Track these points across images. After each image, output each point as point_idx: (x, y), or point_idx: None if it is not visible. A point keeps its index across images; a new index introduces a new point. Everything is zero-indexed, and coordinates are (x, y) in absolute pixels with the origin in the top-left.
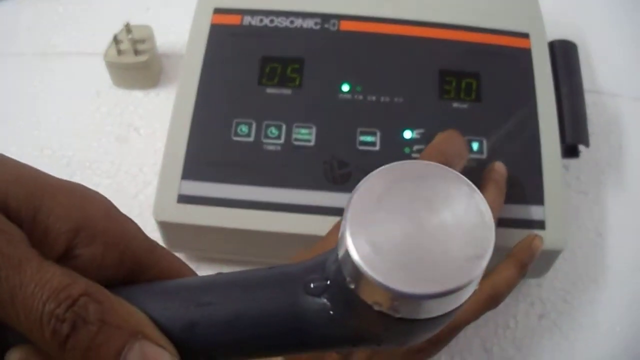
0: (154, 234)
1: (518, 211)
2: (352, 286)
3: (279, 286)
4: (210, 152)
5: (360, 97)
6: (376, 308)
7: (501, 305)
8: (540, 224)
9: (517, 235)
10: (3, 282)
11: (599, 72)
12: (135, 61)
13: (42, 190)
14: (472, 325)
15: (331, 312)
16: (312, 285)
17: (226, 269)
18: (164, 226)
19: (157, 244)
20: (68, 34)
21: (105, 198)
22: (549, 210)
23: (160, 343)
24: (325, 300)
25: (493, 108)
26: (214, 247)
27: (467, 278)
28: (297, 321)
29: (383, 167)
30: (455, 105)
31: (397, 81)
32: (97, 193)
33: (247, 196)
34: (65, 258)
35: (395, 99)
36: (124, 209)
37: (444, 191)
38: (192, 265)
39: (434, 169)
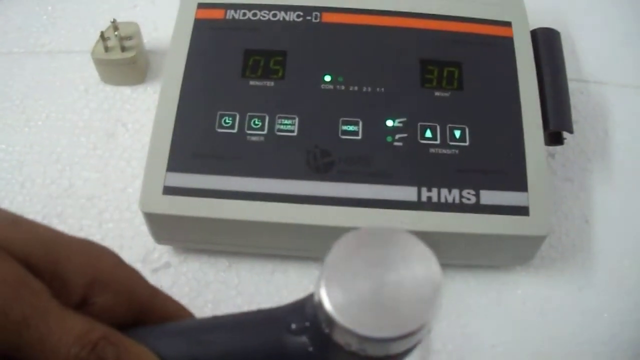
0: (143, 227)
1: (501, 198)
2: (327, 330)
3: (266, 326)
4: (195, 144)
5: (342, 87)
6: (347, 348)
7: (484, 292)
8: (524, 210)
9: (501, 221)
10: (33, 330)
11: (584, 60)
12: (122, 57)
13: (59, 247)
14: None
15: (310, 349)
16: (293, 326)
17: (212, 261)
18: (150, 218)
19: (159, 290)
20: (57, 33)
21: (113, 252)
22: (533, 196)
23: None
24: (305, 339)
25: (475, 96)
26: (201, 238)
27: (420, 322)
28: (280, 356)
29: (357, 229)
30: (437, 94)
31: (379, 71)
32: (105, 248)
33: (231, 187)
34: (82, 306)
35: (377, 89)
36: (112, 203)
37: (403, 253)
38: (180, 258)
39: (397, 235)
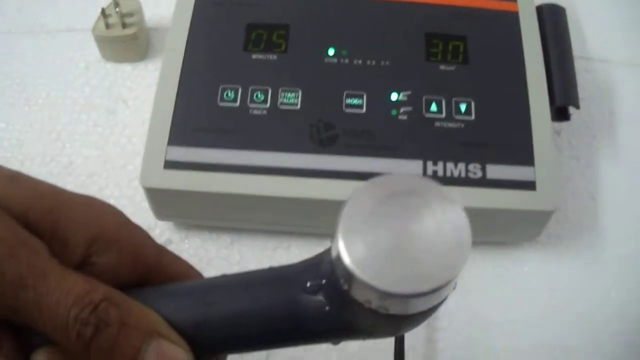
0: (144, 203)
1: (508, 172)
2: (345, 287)
3: (278, 285)
4: (197, 117)
5: (346, 60)
6: (367, 306)
7: (491, 269)
8: (531, 185)
9: (508, 196)
10: (30, 291)
11: (589, 38)
12: (123, 34)
13: (60, 204)
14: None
15: (327, 308)
16: (308, 284)
17: (214, 237)
18: (151, 193)
19: (166, 249)
20: (57, 12)
21: (117, 209)
22: (540, 170)
23: (174, 340)
24: (321, 298)
25: (481, 70)
26: (202, 214)
27: (447, 277)
28: (295, 317)
29: (375, 177)
30: (442, 67)
31: (383, 45)
32: (110, 205)
33: (233, 160)
34: (83, 266)
35: (382, 62)
36: (113, 180)
37: (427, 202)
38: (181, 234)
39: (420, 182)
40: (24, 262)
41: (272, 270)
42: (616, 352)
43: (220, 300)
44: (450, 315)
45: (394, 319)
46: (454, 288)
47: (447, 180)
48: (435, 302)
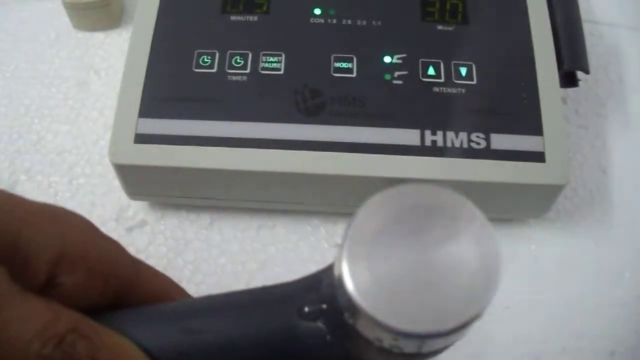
0: (117, 182)
1: (514, 142)
2: (350, 321)
3: (272, 311)
4: (170, 86)
5: (334, 21)
6: (377, 344)
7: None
8: (540, 156)
9: (514, 168)
10: None
11: (596, 0)
12: (95, 0)
13: (19, 218)
14: None
15: (328, 338)
16: (306, 310)
17: (192, 218)
18: (122, 169)
19: (144, 264)
20: None
21: (85, 220)
22: (549, 140)
23: None
24: (321, 325)
25: (482, 31)
26: (178, 192)
27: (474, 312)
28: (291, 346)
29: (390, 188)
30: (439, 27)
31: (375, 3)
32: (76, 215)
33: (211, 132)
34: (47, 288)
35: (373, 23)
36: (84, 157)
37: (451, 223)
38: (157, 215)
39: (444, 195)
40: None
41: (264, 292)
42: (632, 337)
43: (207, 328)
44: None
45: (409, 356)
46: (480, 318)
47: (448, 151)
48: (457, 340)
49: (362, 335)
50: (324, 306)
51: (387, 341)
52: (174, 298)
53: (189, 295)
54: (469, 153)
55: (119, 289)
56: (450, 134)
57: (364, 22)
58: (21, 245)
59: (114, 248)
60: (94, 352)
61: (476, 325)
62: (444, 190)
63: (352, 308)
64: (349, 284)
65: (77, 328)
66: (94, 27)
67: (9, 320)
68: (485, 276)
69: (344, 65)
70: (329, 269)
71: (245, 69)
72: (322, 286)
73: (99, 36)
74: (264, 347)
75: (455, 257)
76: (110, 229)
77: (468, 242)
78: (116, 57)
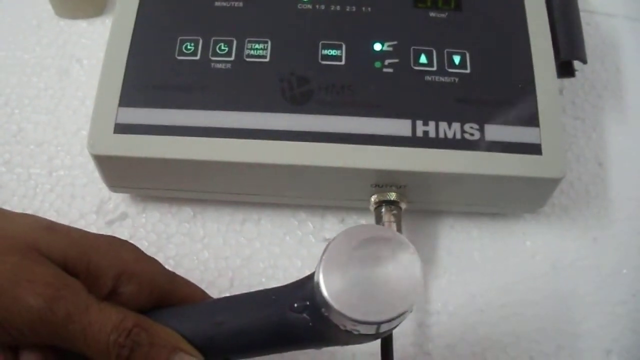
0: (97, 173)
1: (510, 133)
2: (326, 313)
3: (271, 306)
4: (152, 74)
5: (322, 6)
6: (342, 328)
7: (488, 244)
8: (536, 148)
9: (509, 161)
10: (77, 324)
11: None
12: None
13: (89, 248)
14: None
15: (310, 324)
16: (295, 305)
17: (174, 211)
18: (101, 161)
19: (177, 275)
20: None
21: (134, 245)
22: (546, 132)
23: (192, 353)
24: (306, 316)
25: (476, 18)
26: (160, 184)
27: (403, 308)
28: (285, 331)
29: (353, 227)
30: (432, 14)
31: None
32: (127, 242)
33: (193, 122)
34: (111, 296)
35: (363, 9)
36: (64, 148)
37: (390, 249)
38: (138, 207)
39: (385, 232)
40: (69, 301)
41: (266, 293)
42: (630, 335)
43: (226, 320)
44: (444, 297)
45: (364, 336)
46: (412, 311)
47: (440, 143)
48: (396, 324)
49: (333, 323)
50: (308, 303)
51: (349, 326)
52: (199, 299)
53: (210, 297)
54: (462, 144)
55: (160, 294)
56: (443, 125)
57: (354, 8)
58: (92, 267)
59: (156, 264)
60: (151, 338)
61: (474, 325)
62: (385, 229)
63: (326, 305)
64: (324, 289)
65: (138, 323)
66: (76, 15)
67: (93, 320)
68: (412, 283)
69: (333, 52)
70: (312, 276)
71: (230, 56)
72: (306, 288)
73: (82, 24)
74: (265, 332)
75: (392, 270)
76: (90, 221)
77: (399, 261)
78: (99, 46)
